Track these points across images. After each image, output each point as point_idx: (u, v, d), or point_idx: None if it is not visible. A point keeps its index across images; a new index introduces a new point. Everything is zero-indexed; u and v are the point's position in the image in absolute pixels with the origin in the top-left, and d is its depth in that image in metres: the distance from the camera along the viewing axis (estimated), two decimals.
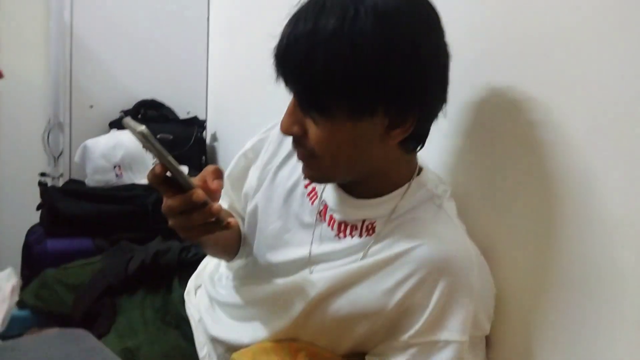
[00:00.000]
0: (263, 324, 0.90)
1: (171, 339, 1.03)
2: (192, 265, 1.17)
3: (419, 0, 0.72)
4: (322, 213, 0.86)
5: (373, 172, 0.80)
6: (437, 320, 0.75)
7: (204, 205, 0.71)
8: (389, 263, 0.77)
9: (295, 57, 0.69)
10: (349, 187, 0.84)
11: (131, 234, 1.63)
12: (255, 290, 0.94)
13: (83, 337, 0.93)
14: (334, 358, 0.85)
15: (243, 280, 0.99)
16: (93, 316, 1.16)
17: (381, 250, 0.78)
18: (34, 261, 1.63)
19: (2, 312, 1.21)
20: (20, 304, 1.25)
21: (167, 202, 0.72)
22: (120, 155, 1.78)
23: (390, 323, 0.78)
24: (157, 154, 0.69)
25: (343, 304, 0.79)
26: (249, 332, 0.91)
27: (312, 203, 0.88)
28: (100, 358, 0.88)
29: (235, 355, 0.86)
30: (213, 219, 0.72)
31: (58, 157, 2.22)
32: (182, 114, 2.17)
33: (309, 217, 0.88)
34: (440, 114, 0.77)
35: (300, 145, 0.77)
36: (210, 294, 1.03)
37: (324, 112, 0.70)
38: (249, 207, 0.96)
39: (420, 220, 0.79)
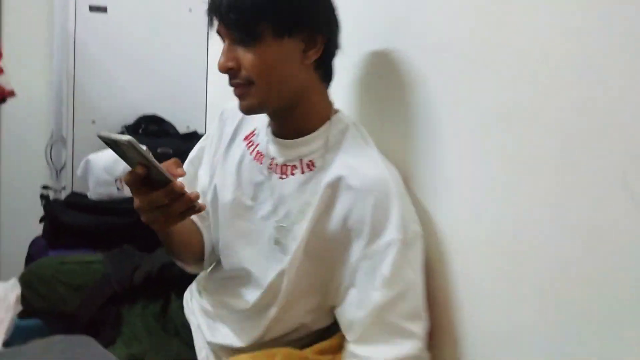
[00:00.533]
0: (252, 323, 0.99)
1: (174, 346, 1.09)
2: (189, 278, 1.20)
3: None
4: (270, 166, 0.98)
5: (299, 100, 0.93)
6: (376, 229, 0.87)
7: (183, 194, 0.81)
8: (332, 194, 0.91)
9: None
10: (283, 131, 0.97)
11: (131, 245, 1.57)
12: (231, 295, 1.04)
13: (88, 343, 0.98)
14: (308, 356, 0.93)
15: (218, 290, 1.08)
16: (97, 323, 1.20)
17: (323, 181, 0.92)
18: None
19: (6, 321, 1.23)
20: (24, 313, 1.26)
21: (148, 198, 0.81)
22: (121, 169, 1.79)
23: (343, 248, 0.90)
24: (141, 158, 0.78)
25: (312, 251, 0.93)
26: (242, 335, 1.00)
27: (260, 162, 0.99)
28: None
29: None
30: (191, 205, 0.83)
31: (60, 171, 2.26)
32: (182, 129, 2.21)
33: (260, 174, 0.99)
34: (339, 47, 0.96)
35: (237, 77, 0.90)
36: (199, 303, 1.10)
37: (254, 35, 0.86)
38: (209, 198, 1.07)
39: (348, 150, 0.93)
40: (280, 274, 0.93)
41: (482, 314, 0.83)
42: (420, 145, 0.96)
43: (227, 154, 1.06)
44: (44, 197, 2.31)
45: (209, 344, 1.04)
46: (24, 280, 1.27)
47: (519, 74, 0.73)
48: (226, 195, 1.02)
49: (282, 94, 0.92)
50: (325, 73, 0.95)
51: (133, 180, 0.80)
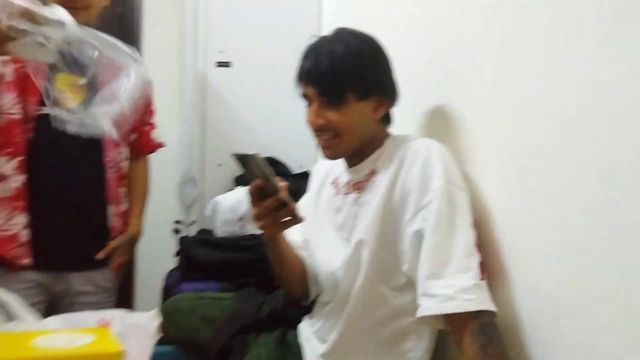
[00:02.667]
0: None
1: None
2: (304, 313, 1.36)
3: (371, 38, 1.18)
4: (346, 191, 1.22)
5: (367, 140, 1.17)
6: (425, 181, 1.04)
7: (287, 203, 1.06)
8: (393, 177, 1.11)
9: (322, 72, 1.10)
10: (352, 162, 1.21)
11: (252, 279, 1.75)
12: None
13: None
14: None
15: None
16: (226, 351, 1.37)
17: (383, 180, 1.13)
18: None
19: (148, 348, 1.30)
20: (161, 340, 1.37)
21: (262, 204, 1.07)
22: (244, 209, 1.95)
23: (402, 208, 1.07)
24: (260, 172, 1.03)
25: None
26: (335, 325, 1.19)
27: (343, 192, 1.23)
28: None
29: None
30: (293, 214, 1.06)
31: (190, 207, 2.46)
32: (295, 169, 2.34)
33: (342, 201, 1.22)
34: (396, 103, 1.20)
35: (324, 131, 1.14)
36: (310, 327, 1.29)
37: (341, 99, 1.10)
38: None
39: (398, 149, 1.14)
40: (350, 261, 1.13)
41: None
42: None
43: (318, 201, 1.30)
44: (176, 231, 2.56)
45: (322, 356, 1.20)
46: (164, 311, 1.44)
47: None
48: (314, 229, 1.27)
49: (360, 141, 1.16)
50: (386, 120, 1.21)
51: (254, 188, 1.06)
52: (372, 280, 1.11)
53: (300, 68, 1.16)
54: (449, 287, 0.97)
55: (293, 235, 1.30)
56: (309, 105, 1.16)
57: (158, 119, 2.01)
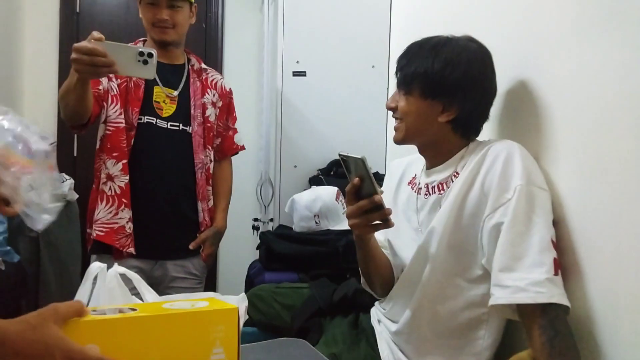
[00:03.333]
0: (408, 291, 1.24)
1: (362, 348, 1.36)
2: (374, 300, 1.46)
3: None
4: (426, 193, 1.26)
5: (431, 142, 1.23)
6: (505, 180, 1.07)
7: (381, 206, 1.08)
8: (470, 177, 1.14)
9: (404, 63, 1.22)
10: (429, 164, 1.27)
11: (326, 270, 1.89)
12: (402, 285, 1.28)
13: (302, 345, 1.26)
14: None
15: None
16: (304, 331, 1.51)
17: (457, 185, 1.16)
18: None
19: (239, 325, 1.58)
20: (246, 324, 1.53)
21: (357, 204, 1.10)
22: (319, 206, 2.05)
23: (480, 205, 1.10)
24: (360, 174, 1.09)
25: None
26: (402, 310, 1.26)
27: (420, 193, 1.28)
28: (315, 359, 1.20)
29: None
30: (384, 218, 1.10)
31: (267, 206, 2.62)
32: None
33: (420, 202, 1.27)
34: (486, 115, 1.23)
35: (395, 113, 1.24)
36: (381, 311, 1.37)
37: (409, 89, 1.20)
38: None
39: (478, 154, 1.15)
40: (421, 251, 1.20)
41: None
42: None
43: (397, 201, 1.36)
44: (255, 228, 2.75)
45: (393, 334, 1.29)
46: (248, 299, 1.63)
47: None
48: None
49: (419, 134, 1.23)
50: (464, 130, 1.21)
51: (351, 188, 1.12)
52: (445, 271, 1.17)
53: (398, 60, 1.27)
54: (522, 280, 0.99)
55: (378, 235, 1.34)
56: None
57: (239, 124, 2.18)
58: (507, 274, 1.03)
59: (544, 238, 1.02)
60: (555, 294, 0.98)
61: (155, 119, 1.88)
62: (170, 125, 1.90)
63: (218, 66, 3.24)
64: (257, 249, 2.14)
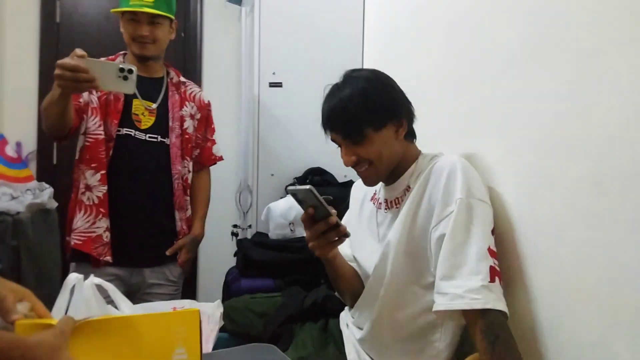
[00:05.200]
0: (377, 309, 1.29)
1: (330, 351, 1.42)
2: (344, 305, 1.53)
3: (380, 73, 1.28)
4: (386, 207, 1.33)
5: (399, 159, 1.27)
6: (447, 194, 1.14)
7: (337, 225, 1.19)
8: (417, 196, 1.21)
9: (338, 118, 1.23)
10: (388, 181, 1.31)
11: (301, 277, 1.96)
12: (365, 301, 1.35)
13: (272, 350, 1.29)
14: None
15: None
16: (276, 337, 1.55)
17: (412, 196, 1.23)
18: (232, 295, 1.94)
19: (214, 332, 1.51)
20: (221, 328, 1.58)
21: (313, 228, 1.19)
22: (294, 214, 2.09)
23: (429, 217, 1.17)
24: (311, 201, 1.16)
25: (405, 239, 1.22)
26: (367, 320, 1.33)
27: (381, 208, 1.35)
28: None
29: None
30: (340, 234, 1.20)
31: (246, 213, 2.65)
32: (340, 178, 2.41)
33: (381, 216, 1.33)
34: (414, 119, 1.30)
35: (360, 164, 1.25)
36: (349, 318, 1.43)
37: (362, 137, 1.21)
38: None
39: (426, 167, 1.23)
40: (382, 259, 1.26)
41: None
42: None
43: (361, 217, 1.43)
44: (234, 234, 2.79)
45: (358, 340, 1.36)
46: (224, 310, 1.63)
47: None
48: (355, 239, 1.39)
49: (392, 164, 1.27)
50: (410, 136, 1.31)
51: (305, 218, 1.21)
52: (401, 280, 1.24)
53: (322, 117, 1.29)
54: (459, 287, 1.06)
55: (344, 249, 1.43)
56: (339, 147, 1.28)
57: (218, 134, 2.21)
58: (447, 281, 1.10)
59: (481, 248, 1.09)
60: (490, 300, 1.04)
61: (133, 131, 1.92)
62: (149, 137, 1.94)
63: (197, 75, 3.27)
64: (235, 255, 2.18)
